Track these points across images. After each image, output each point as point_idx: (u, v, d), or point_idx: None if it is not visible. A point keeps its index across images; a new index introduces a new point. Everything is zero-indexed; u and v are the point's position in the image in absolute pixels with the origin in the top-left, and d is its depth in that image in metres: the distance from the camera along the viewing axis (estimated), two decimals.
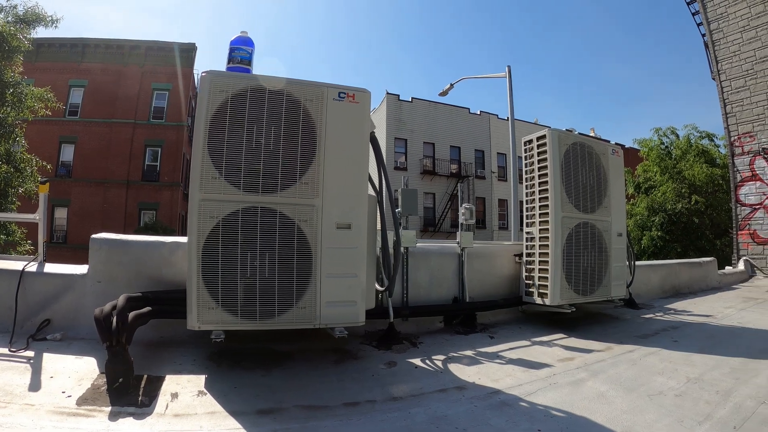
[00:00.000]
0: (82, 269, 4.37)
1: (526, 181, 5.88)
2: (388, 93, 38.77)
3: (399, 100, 39.26)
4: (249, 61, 3.98)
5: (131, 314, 3.26)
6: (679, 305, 7.70)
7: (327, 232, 3.64)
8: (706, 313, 6.96)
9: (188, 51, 34.13)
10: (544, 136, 5.63)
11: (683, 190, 22.29)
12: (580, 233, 5.70)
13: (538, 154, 5.68)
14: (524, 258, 5.96)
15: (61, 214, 30.47)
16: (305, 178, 3.59)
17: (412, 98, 39.91)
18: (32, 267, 4.39)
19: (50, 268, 4.52)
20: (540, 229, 5.67)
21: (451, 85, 19.86)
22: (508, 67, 17.42)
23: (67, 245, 29.56)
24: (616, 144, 52.01)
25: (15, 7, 13.87)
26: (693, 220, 21.73)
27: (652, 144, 25.27)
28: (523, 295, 5.96)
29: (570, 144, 5.66)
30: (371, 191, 4.22)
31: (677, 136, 25.16)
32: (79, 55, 32.07)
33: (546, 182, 5.55)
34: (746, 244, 13.55)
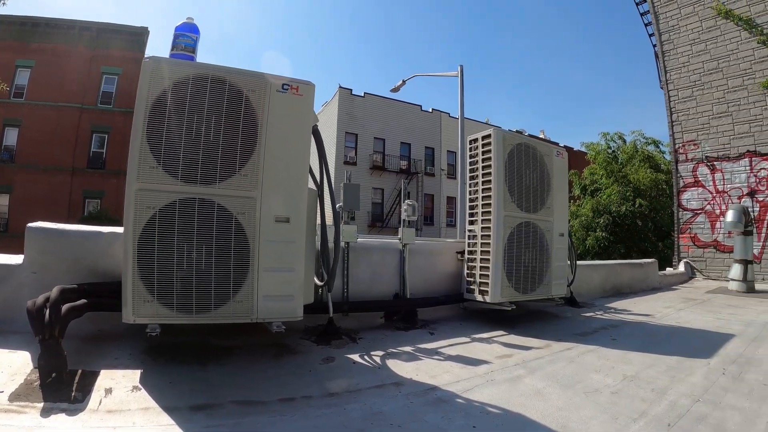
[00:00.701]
0: (17, 259, 4.22)
1: (471, 180, 5.92)
2: (340, 87, 38.80)
3: (351, 94, 39.36)
4: (193, 49, 3.91)
5: (65, 307, 3.15)
6: (619, 304, 7.87)
7: (265, 225, 3.60)
8: (645, 312, 7.13)
9: (140, 35, 33.51)
10: (489, 136, 5.67)
11: (628, 194, 22.88)
12: (522, 232, 5.77)
13: (483, 153, 5.72)
14: (466, 255, 6.01)
15: (2, 201, 29.62)
16: (245, 170, 3.53)
17: (365, 93, 40.07)
18: None
19: None
20: (482, 227, 5.72)
21: (403, 81, 19.96)
22: (461, 66, 17.59)
23: (8, 233, 28.91)
24: (565, 146, 53.10)
25: None
26: (636, 223, 22.34)
27: (600, 148, 25.94)
28: (464, 292, 6.01)
29: (514, 144, 5.72)
30: (312, 185, 4.19)
31: (624, 141, 25.91)
32: (28, 33, 30.95)
33: (489, 181, 5.60)
34: (687, 247, 14.00)
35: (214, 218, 3.45)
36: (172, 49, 3.89)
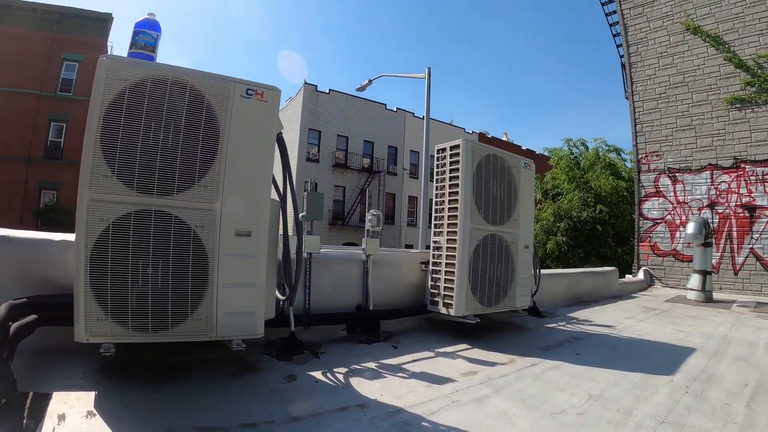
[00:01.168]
0: None
1: (437, 190, 5.82)
2: (306, 83, 38.51)
3: (316, 90, 39.18)
4: (153, 47, 3.72)
5: (13, 326, 2.97)
6: (581, 314, 7.89)
7: (225, 239, 3.43)
8: (607, 323, 7.15)
9: (104, 21, 32.57)
10: (458, 146, 5.56)
11: (589, 200, 23.18)
12: (488, 245, 5.70)
13: (451, 164, 5.62)
14: (431, 267, 5.91)
15: None
16: (205, 180, 3.36)
17: (330, 90, 39.87)
18: None
19: None
20: (448, 239, 5.62)
21: (370, 80, 19.91)
22: (428, 68, 17.69)
23: None
24: (527, 150, 53.74)
25: None
26: (596, 228, 22.62)
27: (562, 153, 26.20)
28: (428, 304, 5.92)
29: (483, 156, 5.63)
30: (275, 194, 4.04)
31: (587, 147, 26.25)
32: None
33: (457, 193, 5.50)
34: (646, 255, 14.22)
35: (171, 232, 3.27)
36: (130, 47, 3.69)
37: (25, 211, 28.40)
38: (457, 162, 5.53)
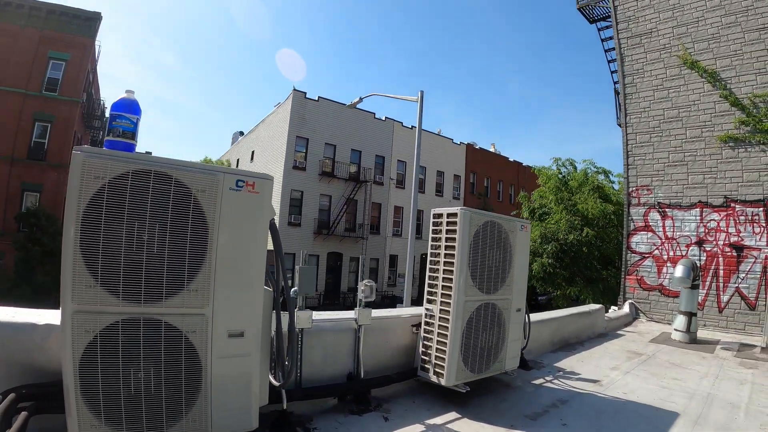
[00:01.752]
0: None
1: (432, 256, 5.67)
2: (295, 89, 38.46)
3: (305, 98, 39.18)
4: (133, 134, 3.45)
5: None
6: (567, 363, 7.79)
7: (218, 341, 3.27)
8: (593, 376, 7.03)
9: (92, 20, 32.54)
10: (455, 215, 5.42)
11: (576, 222, 23.14)
12: (481, 314, 5.58)
13: (447, 231, 5.47)
14: (422, 333, 5.77)
15: None
16: (194, 284, 3.19)
17: (319, 97, 39.84)
18: None
19: None
20: (441, 309, 5.47)
21: (360, 98, 19.98)
22: (421, 92, 17.79)
23: None
24: (514, 161, 53.92)
25: None
26: (582, 250, 22.60)
27: (551, 173, 26.14)
28: (418, 369, 5.76)
29: (481, 225, 5.49)
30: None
31: (575, 168, 26.19)
32: None
33: (452, 263, 5.36)
34: (633, 289, 14.19)
35: (161, 338, 3.11)
36: (107, 134, 3.42)
37: (7, 212, 28.14)
38: (454, 231, 5.38)
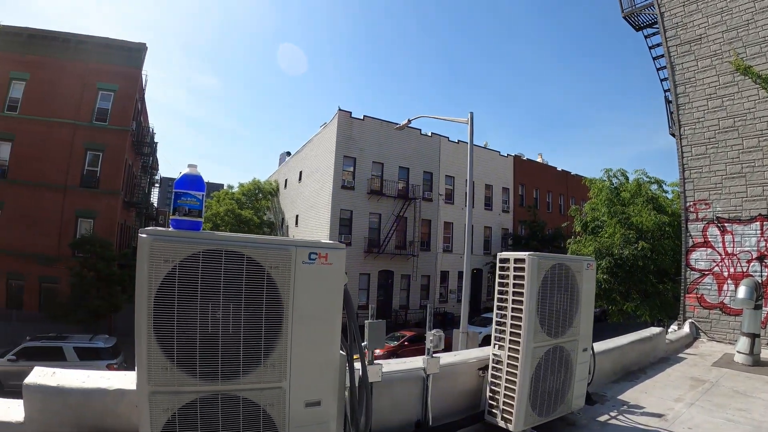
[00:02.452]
0: (17, 415, 3.81)
1: (499, 302, 5.54)
2: (340, 109, 38.44)
3: (351, 117, 39.05)
4: (200, 211, 3.32)
5: None
6: (630, 395, 7.54)
7: (296, 412, 3.23)
8: (657, 410, 6.78)
9: (138, 51, 33.19)
10: (522, 260, 5.29)
11: (631, 236, 22.57)
12: (549, 359, 5.45)
13: (515, 277, 5.33)
14: (489, 378, 5.66)
15: None
16: (271, 359, 3.14)
17: (364, 116, 39.64)
18: None
19: None
20: (509, 356, 5.35)
21: (409, 120, 19.93)
22: (471, 113, 17.57)
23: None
24: (563, 170, 53.03)
25: None
26: (638, 264, 22.02)
27: (602, 185, 25.48)
28: (485, 413, 5.65)
29: (548, 269, 5.34)
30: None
31: (627, 178, 25.41)
32: (23, 45, 30.58)
33: (520, 309, 5.23)
34: (693, 307, 13.66)
35: (240, 413, 3.08)
36: (172, 213, 3.31)
37: (62, 240, 29.05)
38: (522, 278, 5.25)
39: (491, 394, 5.63)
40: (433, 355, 5.35)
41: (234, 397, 3.07)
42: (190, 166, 3.37)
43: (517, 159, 51.72)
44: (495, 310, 5.61)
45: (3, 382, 19.10)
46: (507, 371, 5.41)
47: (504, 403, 5.41)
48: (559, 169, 56.64)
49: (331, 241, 3.47)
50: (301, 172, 47.37)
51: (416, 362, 5.66)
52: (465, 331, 16.42)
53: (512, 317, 5.36)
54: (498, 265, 5.61)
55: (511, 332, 5.36)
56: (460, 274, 43.28)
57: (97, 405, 3.84)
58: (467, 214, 18.46)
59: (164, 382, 2.91)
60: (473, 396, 6.01)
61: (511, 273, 5.40)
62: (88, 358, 19.93)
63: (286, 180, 53.44)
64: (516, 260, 5.38)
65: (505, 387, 5.42)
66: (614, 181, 25.63)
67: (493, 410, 5.55)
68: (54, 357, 19.72)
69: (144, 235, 2.90)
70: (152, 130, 42.87)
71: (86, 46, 31.77)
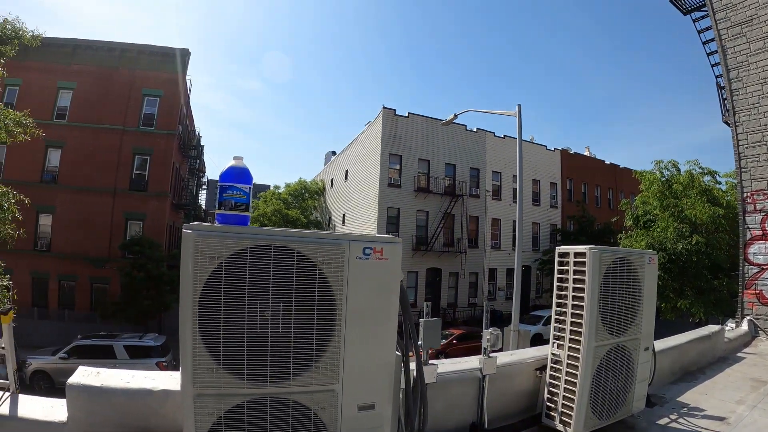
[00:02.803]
0: (61, 415, 3.75)
1: (558, 298, 5.26)
2: (384, 107, 37.91)
3: (395, 115, 38.48)
4: (247, 205, 3.14)
5: None
6: (690, 397, 7.19)
7: (348, 416, 3.05)
8: (719, 413, 6.40)
9: (181, 56, 33.50)
10: (583, 254, 4.99)
11: (684, 230, 21.82)
12: (611, 359, 5.16)
13: (575, 272, 5.04)
14: (548, 379, 5.39)
15: (45, 221, 30.18)
16: (323, 360, 2.95)
17: (409, 113, 39.14)
18: (3, 406, 3.80)
19: (25, 407, 3.87)
20: (569, 355, 5.08)
21: (455, 115, 19.44)
22: (518, 105, 17.11)
23: (51, 253, 29.72)
24: (611, 164, 51.93)
25: None
26: (692, 259, 21.26)
27: (653, 177, 24.54)
28: (543, 415, 5.40)
29: (610, 263, 5.04)
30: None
31: (678, 170, 24.42)
32: (69, 56, 31.44)
33: (581, 306, 4.94)
34: (751, 304, 12.97)
35: (289, 417, 2.91)
36: (218, 208, 3.14)
37: (112, 242, 29.71)
38: (582, 273, 4.95)
39: (549, 396, 5.36)
40: (490, 354, 5.10)
41: (283, 400, 2.90)
42: (235, 158, 3.19)
43: (564, 153, 50.14)
44: (554, 308, 5.33)
45: (54, 379, 19.63)
46: (566, 372, 5.14)
47: (563, 405, 5.14)
48: (607, 162, 54.81)
49: (386, 235, 3.26)
50: (347, 171, 46.89)
51: (472, 362, 5.42)
52: (516, 330, 15.98)
53: (572, 314, 5.08)
54: (557, 259, 5.32)
55: (571, 330, 5.08)
56: (509, 271, 42.82)
57: (142, 406, 3.73)
58: (518, 210, 17.96)
59: (210, 384, 2.75)
60: (530, 397, 5.74)
61: (571, 268, 5.11)
62: (138, 356, 20.22)
63: (332, 179, 53.05)
64: (576, 254, 5.09)
65: (564, 388, 5.15)
66: (665, 173, 24.67)
67: (551, 413, 5.29)
68: (105, 355, 20.19)
69: (188, 231, 2.74)
70: (198, 133, 43.30)
71: (130, 54, 32.35)
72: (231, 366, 2.77)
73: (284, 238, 2.90)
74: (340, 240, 3.06)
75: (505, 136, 44.19)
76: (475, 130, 42.80)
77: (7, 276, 12.70)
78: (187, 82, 35.31)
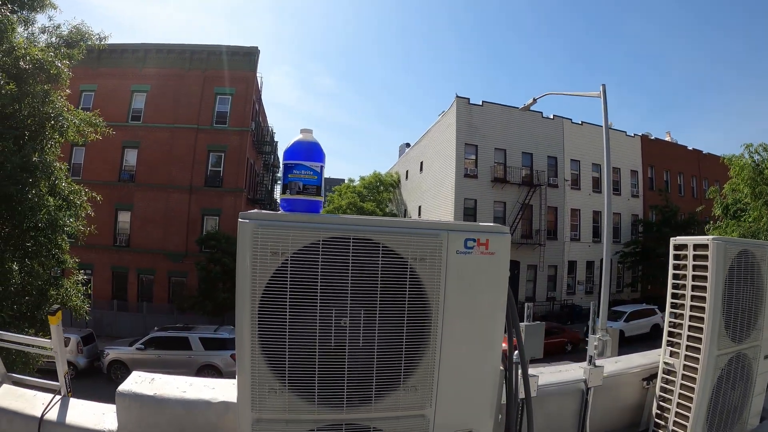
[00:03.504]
0: (111, 424, 3.28)
1: (672, 297, 4.43)
2: (457, 96, 36.95)
3: (469, 104, 37.49)
4: (318, 188, 2.47)
5: None
6: None
7: None
8: None
9: (251, 54, 34.01)
10: (704, 246, 4.18)
11: None
12: (731, 368, 4.33)
13: (694, 267, 4.21)
14: (658, 391, 4.60)
15: (124, 218, 31.26)
16: (412, 380, 2.29)
17: (483, 102, 38.03)
18: (53, 410, 3.40)
19: (74, 412, 3.46)
20: (684, 365, 4.27)
21: (534, 99, 18.45)
22: (603, 86, 15.81)
23: (130, 249, 30.87)
24: (694, 150, 48.83)
25: (58, 27, 12.62)
26: None
27: (743, 162, 22.29)
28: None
29: (735, 255, 4.18)
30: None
31: None
32: (141, 60, 32.41)
33: (701, 308, 4.13)
34: None
35: None
36: (283, 191, 2.51)
37: (189, 237, 30.34)
38: (704, 268, 4.12)
39: (659, 411, 4.58)
40: (596, 364, 4.35)
41: (363, 428, 2.29)
42: (303, 131, 2.53)
43: (645, 139, 46.09)
44: (668, 309, 4.50)
45: (130, 369, 19.72)
46: (681, 384, 4.33)
47: (675, 423, 4.34)
48: (689, 148, 51.36)
49: (491, 224, 2.54)
50: (422, 163, 45.60)
51: (573, 372, 4.66)
52: (605, 329, 14.80)
53: (690, 318, 4.25)
54: (672, 252, 4.49)
55: (688, 336, 4.25)
56: (588, 264, 41.10)
57: (199, 418, 3.17)
58: (605, 198, 16.27)
59: (272, 407, 2.16)
60: (634, 411, 4.95)
61: (690, 263, 4.27)
62: (212, 348, 20.35)
63: (407, 171, 51.52)
64: (696, 246, 4.24)
65: (678, 404, 4.36)
66: (755, 157, 22.48)
67: (660, 430, 4.51)
68: (180, 346, 20.52)
69: (245, 220, 2.15)
70: (272, 129, 43.53)
71: (201, 55, 32.82)
72: (298, 386, 2.16)
73: (367, 229, 2.24)
74: (437, 230, 2.35)
75: (582, 122, 42.02)
76: (551, 117, 40.65)
77: (82, 271, 12.78)
78: (258, 79, 35.47)
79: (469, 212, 36.48)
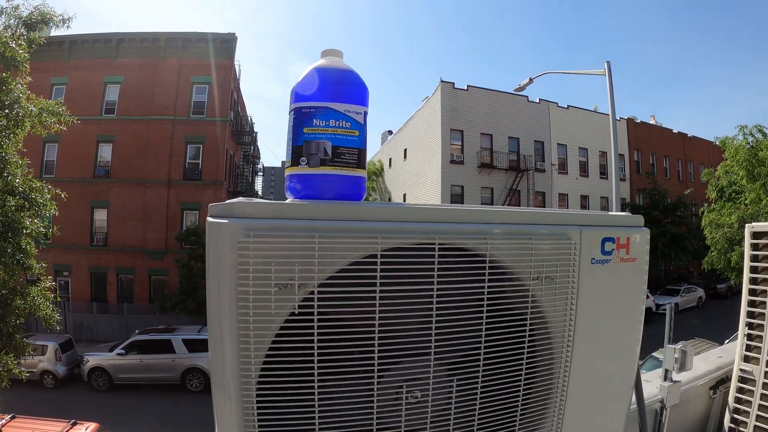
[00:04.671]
0: None
1: (750, 295, 3.80)
2: (442, 81, 36.32)
3: (454, 88, 36.79)
4: (361, 152, 1.45)
5: None
6: None
7: None
8: None
9: (228, 41, 32.93)
10: None
11: None
12: None
13: None
14: (732, 403, 3.96)
15: (101, 216, 30.17)
16: None
17: (468, 86, 37.47)
18: None
19: None
20: (766, 372, 3.67)
21: (531, 79, 17.46)
22: (607, 62, 14.82)
23: (107, 248, 29.74)
24: (679, 133, 48.43)
25: (17, 8, 11.59)
26: None
27: (737, 144, 21.96)
28: None
29: None
30: None
31: (765, 135, 21.62)
32: (114, 50, 31.28)
33: None
34: None
35: None
36: (291, 160, 1.43)
37: (169, 233, 29.55)
38: None
39: (732, 425, 3.93)
40: (674, 378, 3.66)
41: None
42: (326, 53, 1.47)
43: (630, 122, 45.92)
44: (744, 308, 3.85)
45: (113, 376, 19.38)
46: (762, 394, 3.72)
47: None
48: (675, 131, 51.42)
49: (625, 213, 1.70)
50: (405, 150, 45.03)
51: (648, 388, 3.99)
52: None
53: None
54: (748, 241, 3.78)
55: None
56: None
57: None
58: (613, 184, 14.85)
59: None
60: (700, 424, 4.31)
61: None
62: (197, 349, 19.68)
63: (390, 159, 50.80)
64: None
65: (757, 416, 3.74)
66: (749, 139, 21.91)
67: None
68: (163, 349, 19.94)
69: (222, 220, 1.19)
70: (251, 119, 42.38)
71: (176, 43, 31.65)
72: None
73: (443, 229, 1.30)
74: (564, 224, 1.49)
75: (569, 106, 41.84)
76: (537, 101, 40.36)
77: (50, 277, 11.82)
78: (236, 67, 34.56)
79: (455, 199, 35.96)
